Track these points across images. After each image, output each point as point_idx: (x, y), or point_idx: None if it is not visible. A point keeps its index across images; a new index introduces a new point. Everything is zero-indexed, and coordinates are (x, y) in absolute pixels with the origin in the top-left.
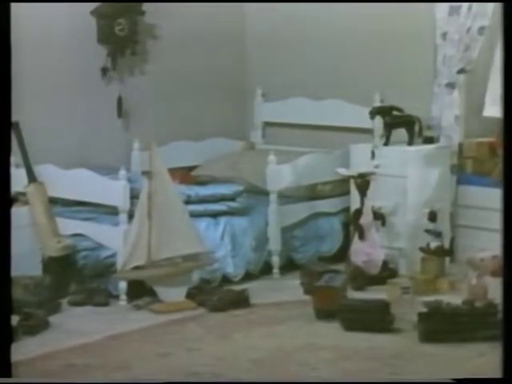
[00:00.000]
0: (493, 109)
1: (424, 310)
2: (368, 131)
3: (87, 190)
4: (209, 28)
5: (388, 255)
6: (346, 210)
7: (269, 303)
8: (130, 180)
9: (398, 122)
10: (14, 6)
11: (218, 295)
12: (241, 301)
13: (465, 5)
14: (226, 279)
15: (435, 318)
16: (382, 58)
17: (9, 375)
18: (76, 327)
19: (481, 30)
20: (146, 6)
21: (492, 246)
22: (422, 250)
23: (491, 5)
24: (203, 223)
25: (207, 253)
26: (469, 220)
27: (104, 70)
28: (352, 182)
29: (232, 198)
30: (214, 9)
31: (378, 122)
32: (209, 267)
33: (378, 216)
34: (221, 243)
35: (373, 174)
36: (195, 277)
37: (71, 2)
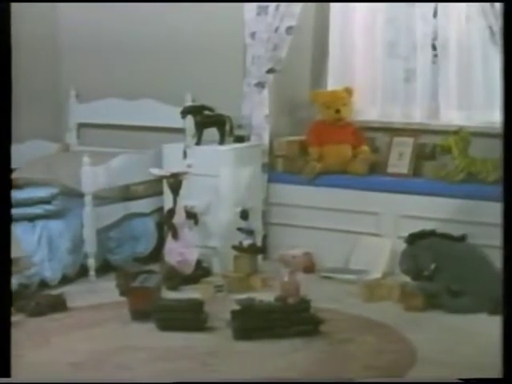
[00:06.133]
0: None
1: (237, 307)
2: (180, 131)
3: None
4: (20, 29)
5: (202, 254)
6: (160, 209)
7: (86, 306)
8: None
9: (209, 122)
10: None
11: (35, 300)
12: (58, 305)
13: (272, 5)
14: (43, 283)
15: (248, 316)
16: (193, 58)
17: (9, 375)
18: None
19: (289, 29)
20: None
21: (303, 243)
22: (234, 248)
23: (299, 5)
24: (20, 227)
25: (25, 257)
26: (280, 218)
27: None
28: (165, 181)
29: (48, 201)
30: (25, 8)
31: (190, 121)
32: (26, 272)
33: (191, 215)
34: (38, 247)
35: (185, 173)
36: (13, 282)
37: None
